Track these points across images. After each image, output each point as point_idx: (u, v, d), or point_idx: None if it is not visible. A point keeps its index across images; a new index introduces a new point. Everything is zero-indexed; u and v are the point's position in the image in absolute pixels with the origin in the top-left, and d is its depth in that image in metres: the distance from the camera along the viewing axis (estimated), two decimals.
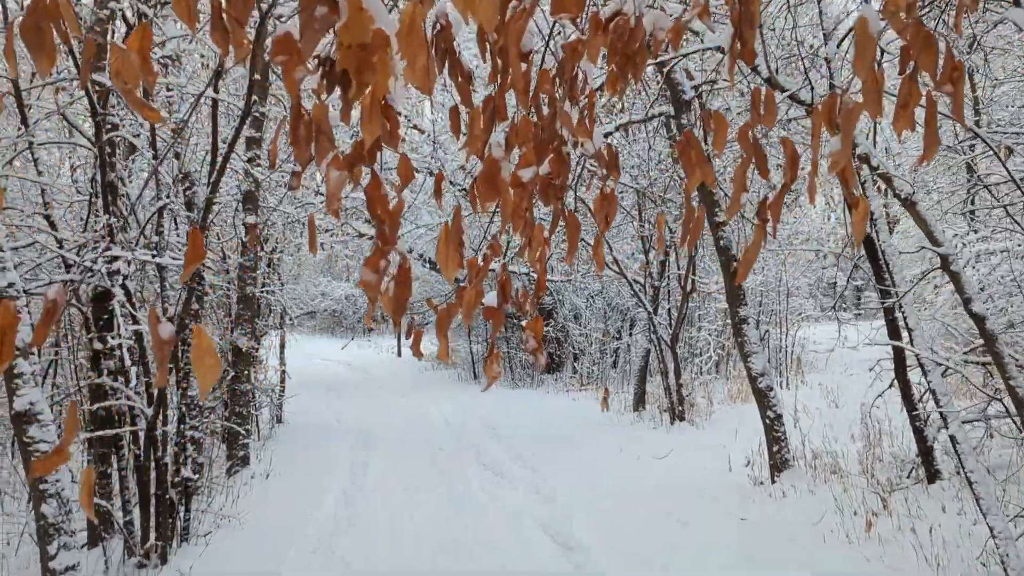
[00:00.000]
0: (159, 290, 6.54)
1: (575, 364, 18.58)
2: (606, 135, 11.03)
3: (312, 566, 6.32)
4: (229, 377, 9.78)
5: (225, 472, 9.57)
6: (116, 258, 6.16)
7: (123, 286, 6.25)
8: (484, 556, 6.48)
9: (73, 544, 4.74)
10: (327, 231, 16.90)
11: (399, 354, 27.76)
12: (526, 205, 2.04)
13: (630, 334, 18.25)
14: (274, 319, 13.64)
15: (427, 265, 20.28)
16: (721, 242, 8.31)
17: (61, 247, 6.53)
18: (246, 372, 9.80)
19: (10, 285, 4.73)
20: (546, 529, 7.13)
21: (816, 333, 19.41)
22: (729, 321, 16.41)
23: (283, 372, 14.31)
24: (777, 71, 6.02)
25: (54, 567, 4.65)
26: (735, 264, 8.31)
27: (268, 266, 12.65)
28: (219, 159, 6.44)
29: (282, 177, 12.16)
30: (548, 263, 17.25)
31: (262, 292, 12.00)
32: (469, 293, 2.02)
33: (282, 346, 14.54)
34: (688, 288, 12.10)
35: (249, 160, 9.76)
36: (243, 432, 9.56)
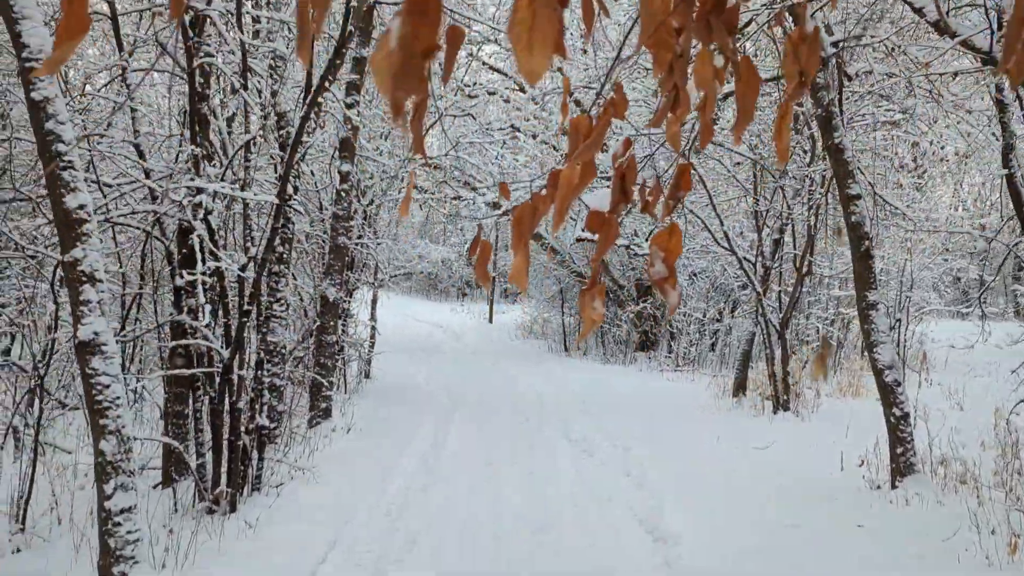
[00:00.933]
0: (244, 228, 6.16)
1: (671, 344, 17.75)
2: (724, 96, 10.14)
3: (376, 536, 5.89)
4: (315, 326, 9.49)
5: (307, 423, 9.33)
6: (200, 191, 5.81)
7: (205, 221, 5.91)
8: (568, 543, 5.92)
9: (131, 485, 4.41)
10: (424, 191, 16.56)
11: (491, 320, 27.43)
12: (679, 25, 1.28)
13: (732, 316, 17.28)
14: (367, 274, 13.36)
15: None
16: (853, 217, 7.40)
17: (148, 177, 6.25)
18: (332, 324, 9.48)
19: (81, 207, 4.40)
20: (637, 516, 6.51)
21: (935, 329, 17.91)
22: (842, 310, 15.26)
23: (373, 328, 14.07)
24: (949, 12, 5.10)
25: (109, 507, 4.34)
26: (867, 243, 7.40)
27: (364, 220, 12.35)
28: (311, 93, 5.99)
29: (381, 125, 11.78)
30: (649, 235, 16.39)
31: (355, 244, 11.70)
32: (568, 172, 1.37)
33: (374, 302, 14.30)
34: (804, 269, 11.12)
35: (348, 106, 9.37)
36: (326, 384, 9.27)
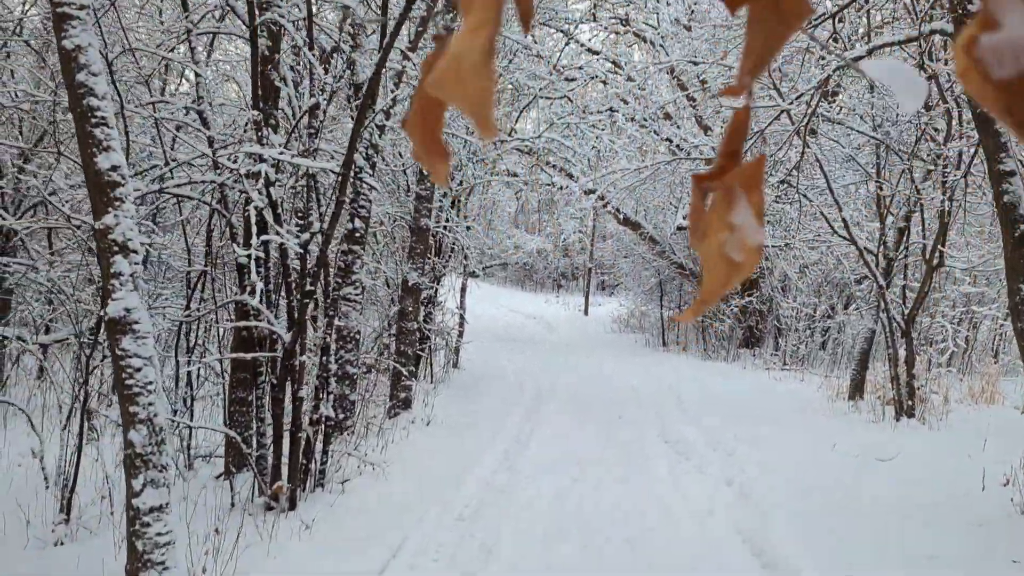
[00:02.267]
0: (305, 201, 5.61)
1: (778, 341, 16.52)
2: (855, 59, 8.99)
3: (447, 542, 5.24)
4: (394, 312, 8.95)
5: (385, 413, 8.81)
6: (262, 160, 5.28)
7: (267, 193, 5.38)
8: (663, 560, 5.12)
9: (163, 481, 3.90)
10: (514, 174, 15.88)
11: (586, 312, 26.60)
12: None
13: (845, 312, 15.90)
14: (456, 260, 12.80)
15: (621, 222, 18.85)
16: (1005, 198, 6.26)
17: (212, 146, 5.77)
18: (413, 309, 8.92)
19: (114, 168, 3.89)
20: (741, 534, 5.64)
21: None
22: (973, 308, 13.73)
23: (461, 316, 13.52)
24: None
25: (138, 505, 3.83)
26: (1021, 228, 6.25)
27: (452, 205, 11.78)
28: (384, 48, 5.38)
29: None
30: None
31: (438, 228, 11.14)
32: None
33: (463, 290, 13.75)
34: (935, 261, 9.86)
35: None
36: (406, 373, 8.71)
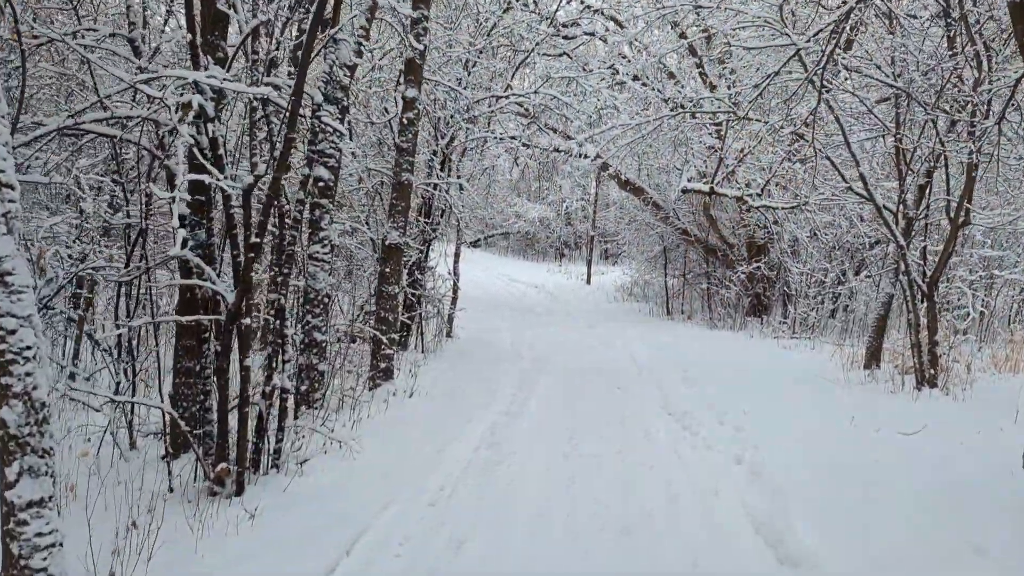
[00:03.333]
0: (250, 139, 4.78)
1: (787, 308, 15.67)
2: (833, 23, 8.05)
3: (414, 534, 4.47)
4: (374, 274, 8.16)
5: (364, 384, 8.05)
6: (198, 89, 4.44)
7: (204, 128, 4.55)
8: (663, 553, 4.35)
9: (44, 469, 3.12)
10: (513, 137, 14.97)
11: (588, 281, 25.77)
12: None
13: (856, 278, 15.02)
14: (447, 223, 11.97)
15: (627, 188, 17.96)
16: None
17: (143, 73, 4.93)
18: (394, 272, 8.11)
19: None
20: (753, 521, 4.87)
21: None
22: (995, 272, 12.85)
23: (455, 283, 12.72)
24: None
25: (12, 499, 3.06)
26: None
27: (442, 166, 10.93)
28: None
29: (461, 51, 10.25)
30: (769, 186, 14.30)
31: (424, 185, 10.31)
32: None
33: (456, 255, 12.94)
34: (961, 219, 8.99)
35: (415, 20, 7.89)
36: (386, 341, 7.93)
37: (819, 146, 10.14)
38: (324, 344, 6.62)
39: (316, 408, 6.46)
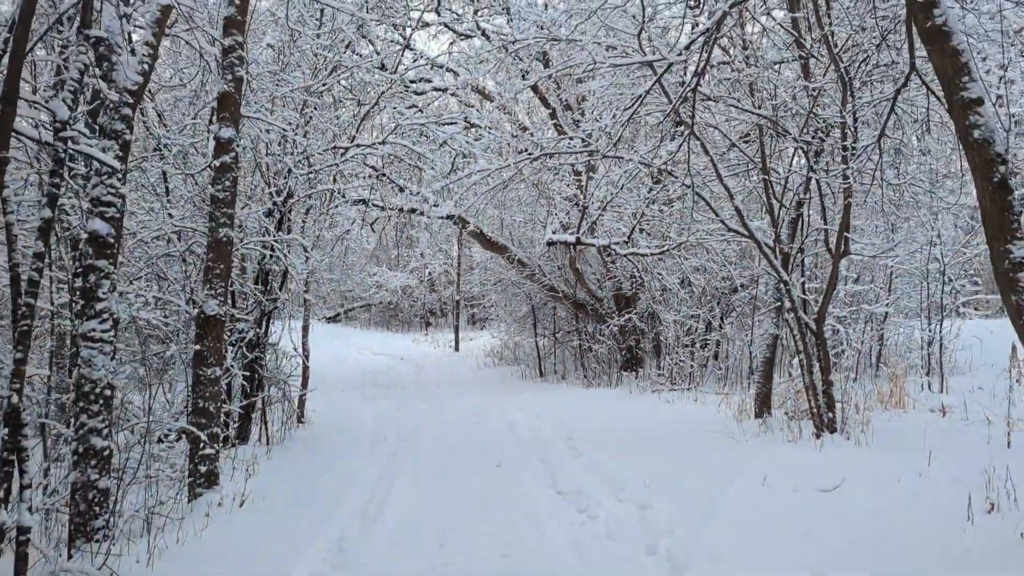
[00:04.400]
0: None
1: (660, 359, 14.90)
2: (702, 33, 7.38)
3: None
4: (188, 353, 6.51)
5: (186, 494, 6.28)
6: None
7: None
8: None
9: None
10: (363, 201, 13.60)
11: (457, 348, 24.42)
12: None
13: (721, 325, 14.47)
14: (293, 292, 10.37)
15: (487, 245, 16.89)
16: (976, 133, 4.64)
17: None
18: (213, 349, 6.47)
19: None
20: None
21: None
22: (864, 307, 12.53)
23: (305, 361, 11.05)
24: None
25: None
26: (1000, 170, 4.63)
27: (279, 225, 9.40)
28: None
29: (298, 91, 8.84)
30: (636, 233, 13.55)
31: (259, 248, 8.75)
32: None
33: (304, 329, 11.29)
34: (841, 248, 8.37)
35: (227, 50, 6.47)
36: (204, 438, 6.23)
37: (685, 184, 9.39)
38: (106, 452, 4.90)
39: (97, 541, 4.70)
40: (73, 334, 4.90)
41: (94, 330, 4.94)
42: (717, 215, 9.40)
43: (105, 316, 4.98)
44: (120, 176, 5.01)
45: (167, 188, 8.40)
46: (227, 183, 6.58)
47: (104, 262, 5.01)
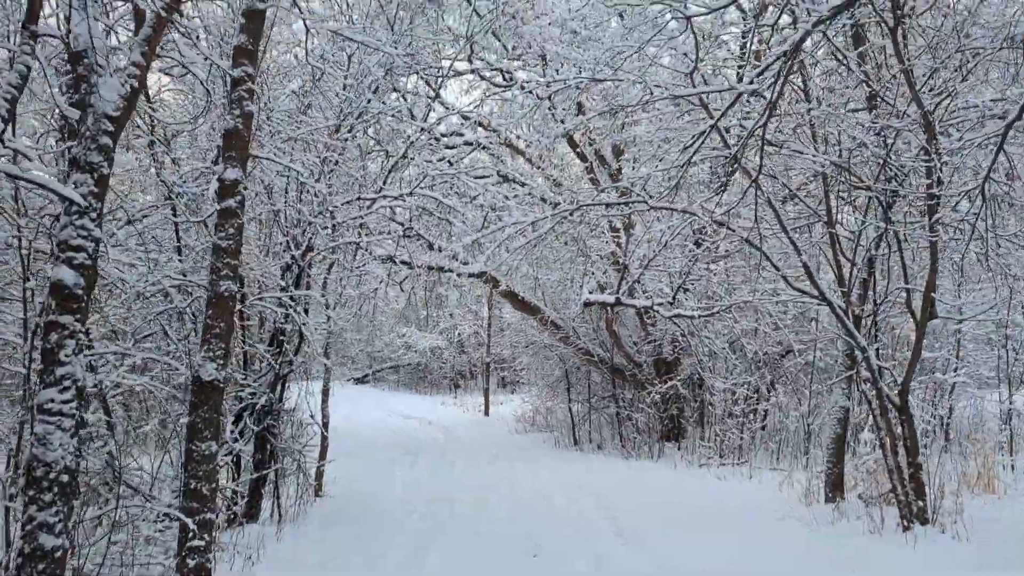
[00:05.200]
0: None
1: (705, 429, 13.68)
2: (779, 58, 6.48)
3: None
4: (181, 424, 5.58)
5: None
6: None
7: None
8: None
9: None
10: (391, 258, 12.77)
11: (487, 412, 23.29)
12: None
13: (770, 392, 13.28)
14: (310, 354, 9.45)
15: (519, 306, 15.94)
16: None
17: None
18: (207, 420, 5.52)
19: None
20: None
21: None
22: (936, 375, 11.30)
23: (323, 431, 10.08)
24: None
25: None
26: None
27: (297, 280, 8.55)
28: None
29: (319, 135, 8.08)
30: (678, 291, 12.51)
31: (273, 306, 7.89)
32: None
33: (324, 393, 10.35)
34: (928, 311, 7.28)
35: (236, 82, 5.71)
36: (193, 527, 5.24)
37: (744, 236, 8.41)
38: (59, 553, 3.92)
39: None
40: (27, 405, 4.00)
41: (52, 400, 4.04)
42: (778, 270, 8.37)
43: (67, 383, 4.08)
44: (93, 216, 4.16)
45: (179, 239, 7.62)
46: (231, 230, 5.74)
47: (69, 317, 4.13)
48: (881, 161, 7.52)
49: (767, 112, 5.41)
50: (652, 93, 6.13)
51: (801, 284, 8.27)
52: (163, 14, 4.35)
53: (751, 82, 5.16)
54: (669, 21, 6.13)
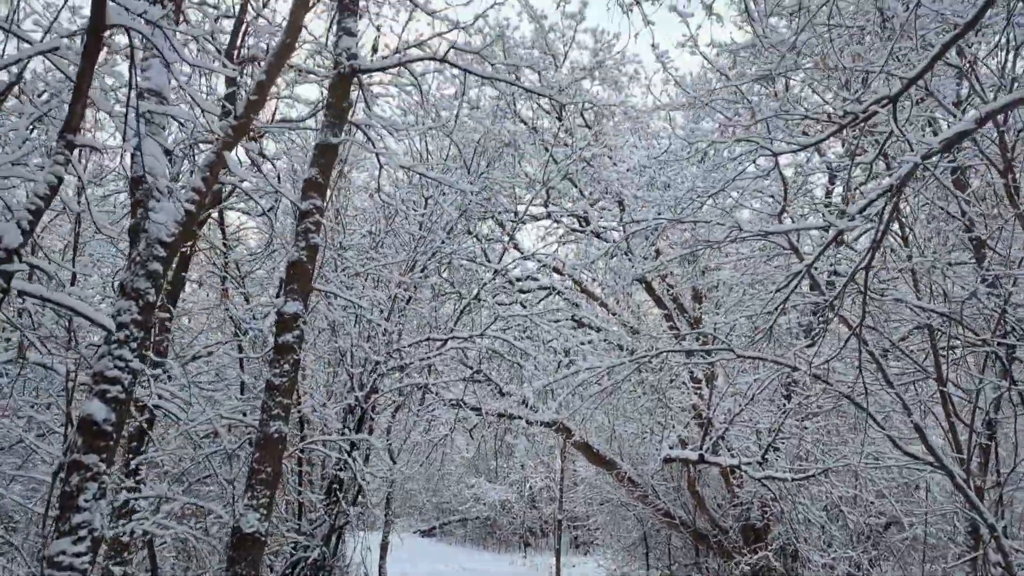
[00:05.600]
0: None
1: None
2: (883, 193, 5.98)
3: None
4: None
5: None
6: None
7: None
8: None
9: None
10: (463, 402, 12.26)
11: (557, 573, 21.70)
12: None
13: (871, 567, 11.75)
14: (368, 504, 8.85)
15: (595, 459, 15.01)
16: None
17: None
18: None
19: None
20: None
21: None
22: None
23: None
24: None
25: None
26: None
27: (358, 425, 8.13)
28: None
29: (383, 268, 7.86)
30: (766, 450, 11.46)
31: (332, 451, 7.42)
32: None
33: (383, 548, 9.64)
34: None
35: (304, 214, 5.57)
36: None
37: (844, 392, 7.61)
38: None
39: None
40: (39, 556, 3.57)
41: (63, 553, 3.58)
42: (883, 430, 7.46)
43: (83, 533, 3.64)
44: (133, 345, 3.85)
45: (242, 380, 7.37)
46: (287, 367, 5.40)
47: (95, 457, 3.75)
48: (998, 313, 6.75)
49: (870, 253, 4.86)
50: (740, 229, 5.67)
51: (912, 448, 7.33)
52: (231, 138, 4.21)
53: (852, 219, 4.65)
54: (755, 161, 5.77)
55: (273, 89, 7.73)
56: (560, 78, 11.28)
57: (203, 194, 4.22)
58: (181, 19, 5.16)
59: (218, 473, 6.50)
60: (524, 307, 12.37)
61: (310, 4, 4.90)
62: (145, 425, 6.10)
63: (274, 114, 7.66)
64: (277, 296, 6.39)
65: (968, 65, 6.52)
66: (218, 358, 7.66)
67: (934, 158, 4.87)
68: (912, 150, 4.89)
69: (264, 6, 5.92)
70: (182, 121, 5.08)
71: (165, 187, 3.96)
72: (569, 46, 11.68)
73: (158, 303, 4.08)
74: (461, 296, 10.31)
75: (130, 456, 6.06)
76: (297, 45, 5.33)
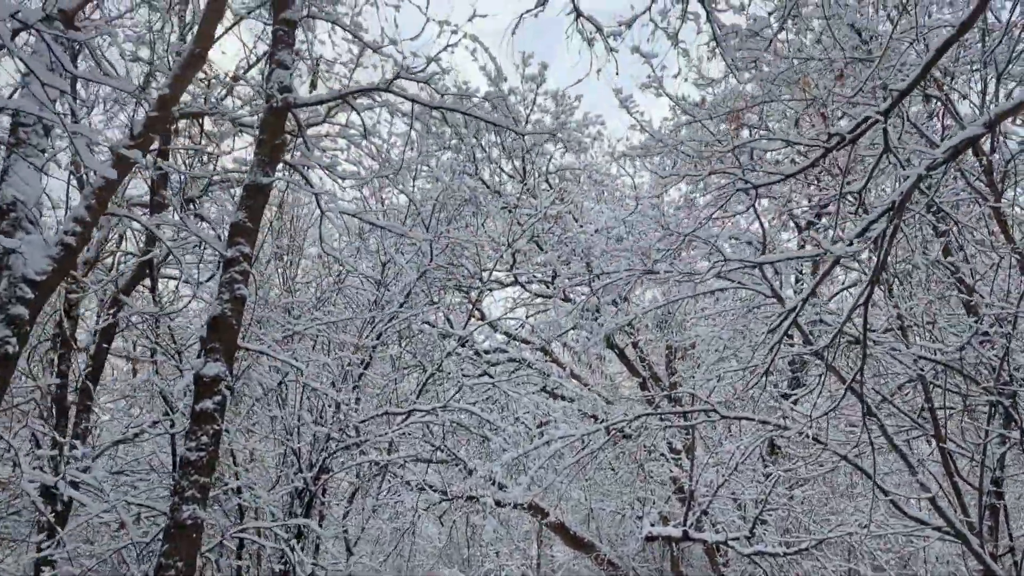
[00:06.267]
0: None
1: None
2: (883, 213, 5.44)
3: None
4: None
5: None
6: None
7: None
8: None
9: None
10: (430, 487, 11.26)
11: None
12: None
13: None
14: None
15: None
16: None
17: None
18: None
19: None
20: None
21: None
22: None
23: None
24: None
25: None
26: None
27: (306, 510, 7.19)
28: None
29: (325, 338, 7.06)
30: (755, 523, 10.58)
31: (240, 530, 6.48)
32: None
33: None
34: None
35: (229, 262, 4.83)
36: None
37: (843, 455, 6.90)
38: None
39: None
40: None
41: None
42: (885, 493, 6.71)
43: None
44: None
45: (174, 455, 6.45)
46: (204, 439, 4.57)
47: None
48: (997, 360, 6.16)
49: (870, 286, 4.24)
50: (726, 260, 5.05)
51: (916, 512, 6.58)
52: (130, 159, 3.52)
53: (849, 243, 4.05)
54: (733, 195, 5.21)
55: (216, 147, 7.11)
56: (521, 143, 10.87)
57: (88, 225, 3.50)
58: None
59: (135, 573, 5.54)
60: (491, 376, 11.60)
61: (223, 12, 4.33)
62: (53, 519, 5.20)
63: (213, 171, 7.02)
64: (197, 357, 5.58)
65: (944, 96, 6.13)
66: (148, 439, 6.75)
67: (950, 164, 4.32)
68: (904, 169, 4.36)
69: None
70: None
71: (36, 217, 3.24)
72: (531, 109, 11.32)
73: (18, 354, 3.29)
74: (424, 368, 9.53)
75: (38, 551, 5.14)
76: (225, 75, 4.72)
